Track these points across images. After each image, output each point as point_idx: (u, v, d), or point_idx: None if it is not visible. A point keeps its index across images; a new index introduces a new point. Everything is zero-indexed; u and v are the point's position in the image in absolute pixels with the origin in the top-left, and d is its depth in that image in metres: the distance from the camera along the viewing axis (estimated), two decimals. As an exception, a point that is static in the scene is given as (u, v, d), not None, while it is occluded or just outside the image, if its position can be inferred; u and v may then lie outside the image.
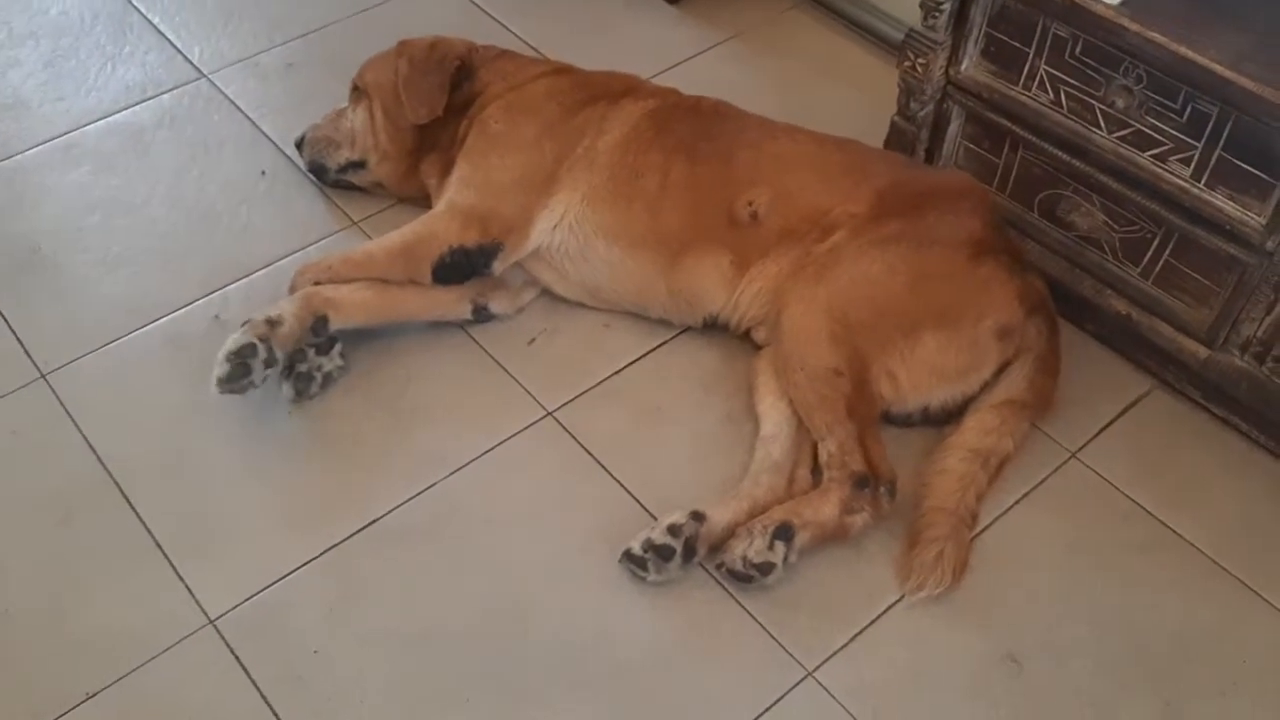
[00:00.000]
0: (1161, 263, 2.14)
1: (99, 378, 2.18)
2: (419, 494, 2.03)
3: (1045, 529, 2.01)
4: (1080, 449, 2.12)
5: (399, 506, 2.01)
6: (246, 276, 2.36)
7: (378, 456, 2.08)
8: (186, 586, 1.90)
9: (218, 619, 1.86)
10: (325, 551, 1.95)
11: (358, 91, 2.49)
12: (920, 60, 2.26)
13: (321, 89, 2.73)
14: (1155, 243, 2.12)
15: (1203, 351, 2.14)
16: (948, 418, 2.11)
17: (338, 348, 2.16)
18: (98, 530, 1.96)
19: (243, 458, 2.08)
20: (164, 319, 2.28)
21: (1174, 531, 2.01)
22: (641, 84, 2.40)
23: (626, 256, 2.23)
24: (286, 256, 2.40)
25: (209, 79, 2.79)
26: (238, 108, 2.72)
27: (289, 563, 1.93)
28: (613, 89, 2.34)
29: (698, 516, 1.92)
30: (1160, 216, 2.08)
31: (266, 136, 2.66)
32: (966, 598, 1.91)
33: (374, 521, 1.99)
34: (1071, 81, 2.09)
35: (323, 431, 2.11)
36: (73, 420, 2.11)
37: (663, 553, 1.89)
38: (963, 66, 2.24)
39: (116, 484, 2.02)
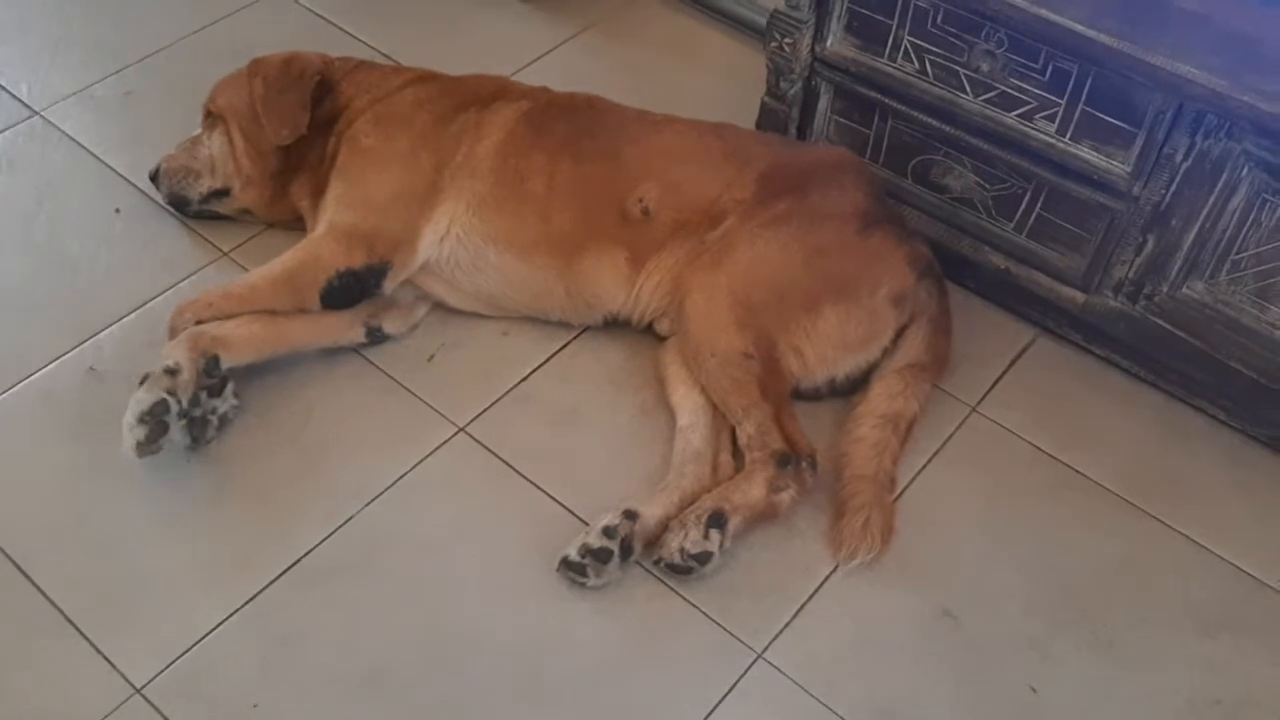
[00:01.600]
0: (1034, 216, 2.23)
1: (-29, 447, 2.04)
2: (339, 528, 1.96)
3: (959, 483, 2.09)
4: (979, 403, 2.21)
5: (320, 544, 1.94)
6: (117, 322, 2.24)
7: (290, 495, 2.00)
8: (105, 658, 1.79)
9: (144, 687, 1.76)
10: (249, 601, 1.87)
11: (212, 117, 2.38)
12: (787, 40, 2.29)
13: (165, 116, 2.61)
14: (1026, 198, 2.21)
15: (1080, 297, 2.24)
16: (852, 388, 2.16)
17: (230, 387, 2.07)
18: (1, 614, 1.83)
19: (144, 514, 1.97)
20: (34, 376, 2.14)
21: (1077, 471, 2.11)
22: (511, 85, 2.36)
23: (520, 262, 2.20)
24: (157, 296, 2.28)
25: (42, 116, 2.62)
26: (79, 144, 2.56)
27: (212, 618, 1.84)
28: (483, 92, 2.30)
29: (630, 515, 1.92)
30: (1029, 172, 2.17)
31: (115, 171, 2.51)
32: (897, 560, 1.97)
33: (296, 563, 1.92)
34: (935, 50, 2.15)
35: (227, 476, 2.02)
36: (-51, 497, 1.97)
37: (600, 556, 1.88)
38: (828, 43, 2.28)
39: (9, 558, 1.89)
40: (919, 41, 2.16)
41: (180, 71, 2.75)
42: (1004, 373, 2.26)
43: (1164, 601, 1.94)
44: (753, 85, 2.62)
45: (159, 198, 2.43)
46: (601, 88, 2.39)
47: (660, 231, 2.17)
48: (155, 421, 1.91)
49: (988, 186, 2.26)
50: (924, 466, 2.10)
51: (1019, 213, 2.24)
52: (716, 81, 2.81)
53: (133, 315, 2.25)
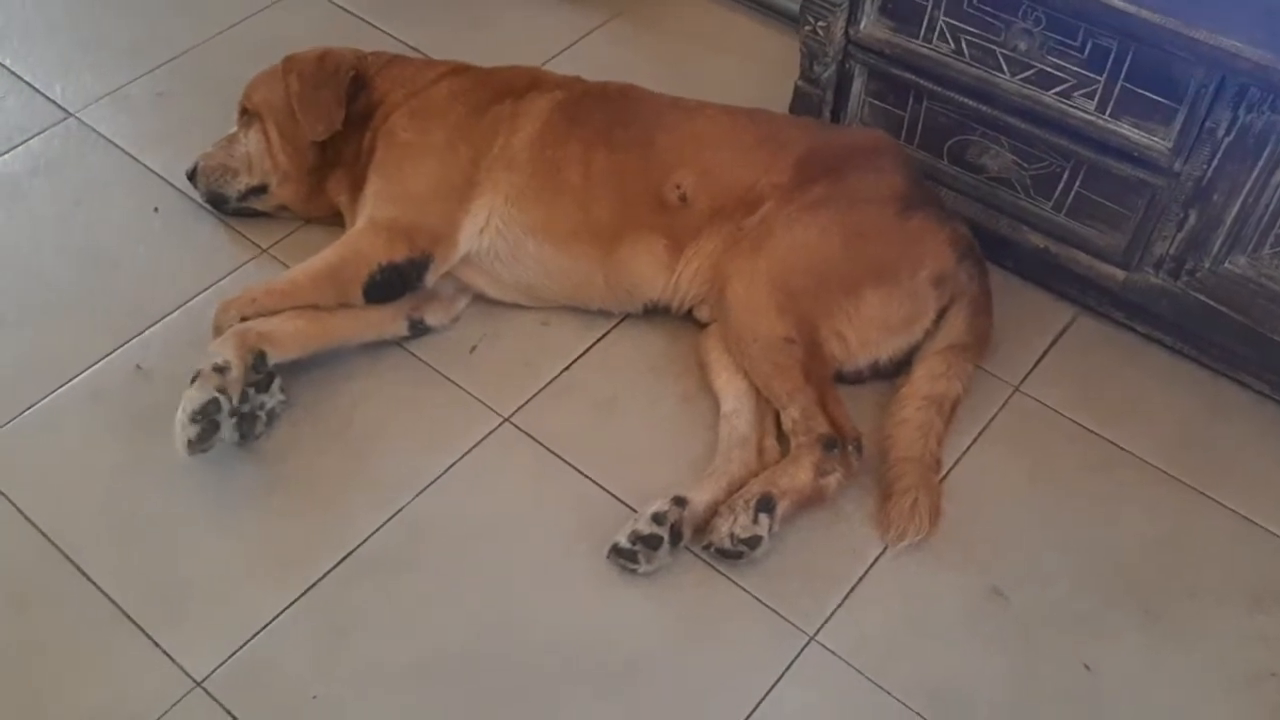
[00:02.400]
0: (1073, 194, 2.22)
1: (24, 448, 2.06)
2: (389, 520, 1.98)
3: (1004, 463, 2.09)
4: (1021, 382, 2.21)
5: (371, 536, 1.96)
6: (161, 320, 2.25)
7: (339, 488, 2.02)
8: (165, 653, 1.81)
9: (205, 680, 1.78)
10: (304, 593, 1.88)
11: (247, 114, 2.39)
12: (820, 23, 2.29)
13: (199, 115, 2.62)
14: (1065, 176, 2.21)
15: (1120, 274, 2.24)
16: (895, 370, 2.16)
17: (277, 383, 2.07)
18: (59, 611, 1.85)
19: (197, 510, 1.98)
20: (82, 375, 2.16)
21: (1121, 448, 2.11)
22: (545, 75, 2.36)
23: (559, 253, 2.20)
24: (199, 293, 2.30)
25: (77, 117, 2.64)
26: (114, 144, 2.58)
27: (268, 610, 1.86)
28: (516, 84, 2.31)
29: (679, 501, 1.93)
30: (1068, 150, 2.17)
31: (151, 171, 2.53)
32: (945, 540, 1.97)
33: (349, 555, 1.93)
34: (971, 30, 2.15)
35: (276, 471, 2.04)
36: (5, 498, 1.98)
37: (650, 542, 1.89)
38: (862, 25, 2.27)
39: (68, 558, 1.91)
40: (954, 21, 2.16)
41: (211, 70, 2.75)
42: (1046, 352, 2.26)
43: (1213, 576, 1.94)
44: (782, 70, 2.63)
45: (196, 196, 2.44)
46: (631, 76, 2.39)
47: (698, 218, 2.17)
48: (207, 420, 1.92)
49: (1026, 166, 2.25)
50: (969, 447, 2.11)
51: (1057, 191, 2.24)
52: (745, 67, 2.80)
53: (176, 313, 2.26)
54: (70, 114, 2.64)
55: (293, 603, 1.87)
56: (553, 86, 2.31)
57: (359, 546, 1.94)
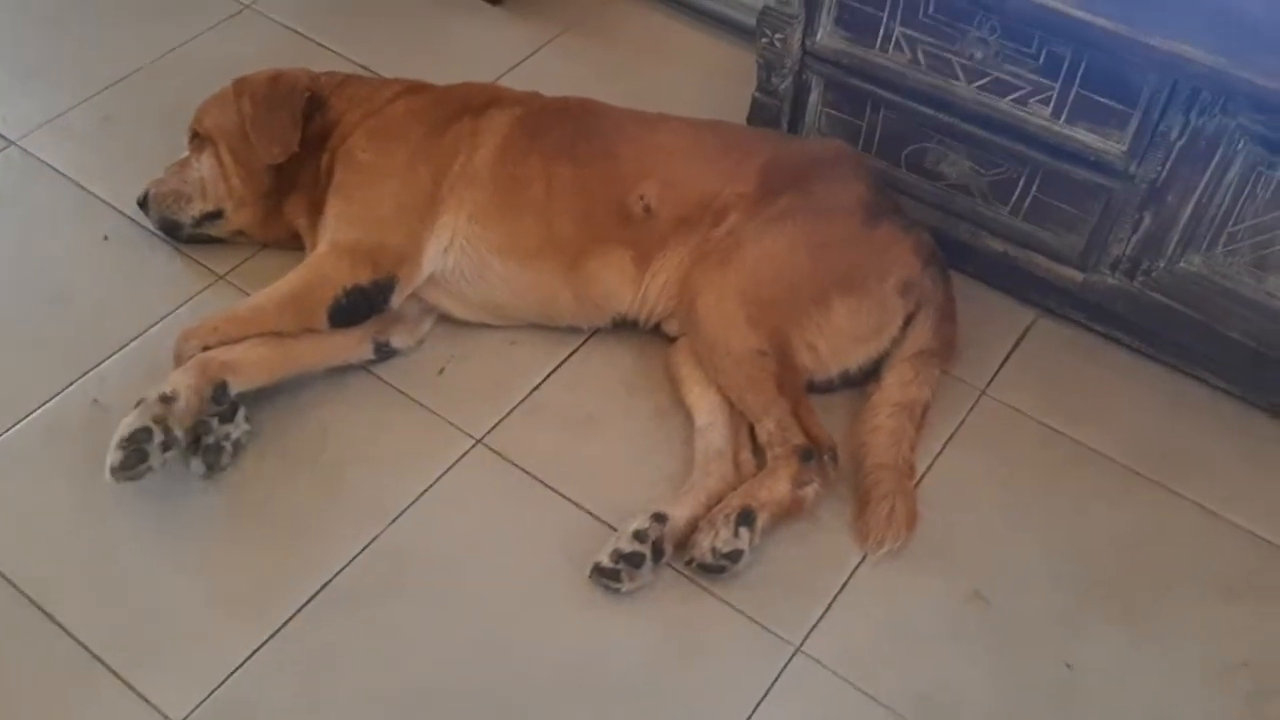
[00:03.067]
0: (1030, 199, 2.26)
1: (-21, 488, 2.00)
2: (365, 549, 1.95)
3: (976, 466, 2.11)
4: (988, 385, 2.23)
5: (347, 566, 1.92)
6: (118, 352, 2.20)
7: (311, 518, 1.98)
8: (141, 696, 1.76)
9: (183, 722, 1.74)
10: (281, 627, 1.85)
11: (199, 138, 2.34)
12: (778, 35, 2.30)
13: (145, 140, 2.57)
14: (1022, 181, 2.24)
15: (1078, 276, 2.28)
16: (864, 378, 2.18)
17: (241, 412, 2.04)
18: (27, 656, 1.79)
19: (166, 547, 1.93)
20: (36, 412, 2.10)
21: (1088, 447, 2.14)
22: (503, 92, 2.35)
23: (525, 269, 2.19)
24: (156, 323, 2.24)
25: (18, 146, 2.56)
26: (59, 173, 2.51)
27: (245, 647, 1.82)
28: (475, 101, 2.29)
29: (660, 518, 1.92)
30: (1025, 156, 2.20)
31: (99, 199, 2.46)
32: (923, 545, 1.98)
33: (324, 586, 1.90)
34: (928, 39, 2.17)
35: (245, 502, 1.99)
36: (-38, 541, 1.92)
37: (633, 560, 1.88)
38: (818, 37, 2.29)
39: (32, 601, 1.85)
40: (910, 31, 2.18)
41: (156, 94, 2.70)
42: (1009, 355, 2.29)
43: (1184, 570, 1.98)
44: (735, 81, 2.65)
45: (147, 224, 2.39)
46: (584, 90, 2.38)
47: (664, 229, 2.17)
48: (134, 448, 1.87)
49: (983, 172, 2.28)
50: (940, 451, 2.13)
51: (1015, 196, 2.27)
52: (699, 79, 2.81)
53: (133, 344, 2.21)
54: (11, 142, 2.57)
55: (270, 637, 1.83)
56: (512, 103, 2.30)
57: (335, 577, 1.91)
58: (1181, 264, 2.15)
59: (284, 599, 1.87)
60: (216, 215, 2.34)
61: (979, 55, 2.12)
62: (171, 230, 2.36)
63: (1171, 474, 2.11)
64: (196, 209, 2.33)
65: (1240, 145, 1.96)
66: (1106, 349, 2.30)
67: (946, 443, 2.14)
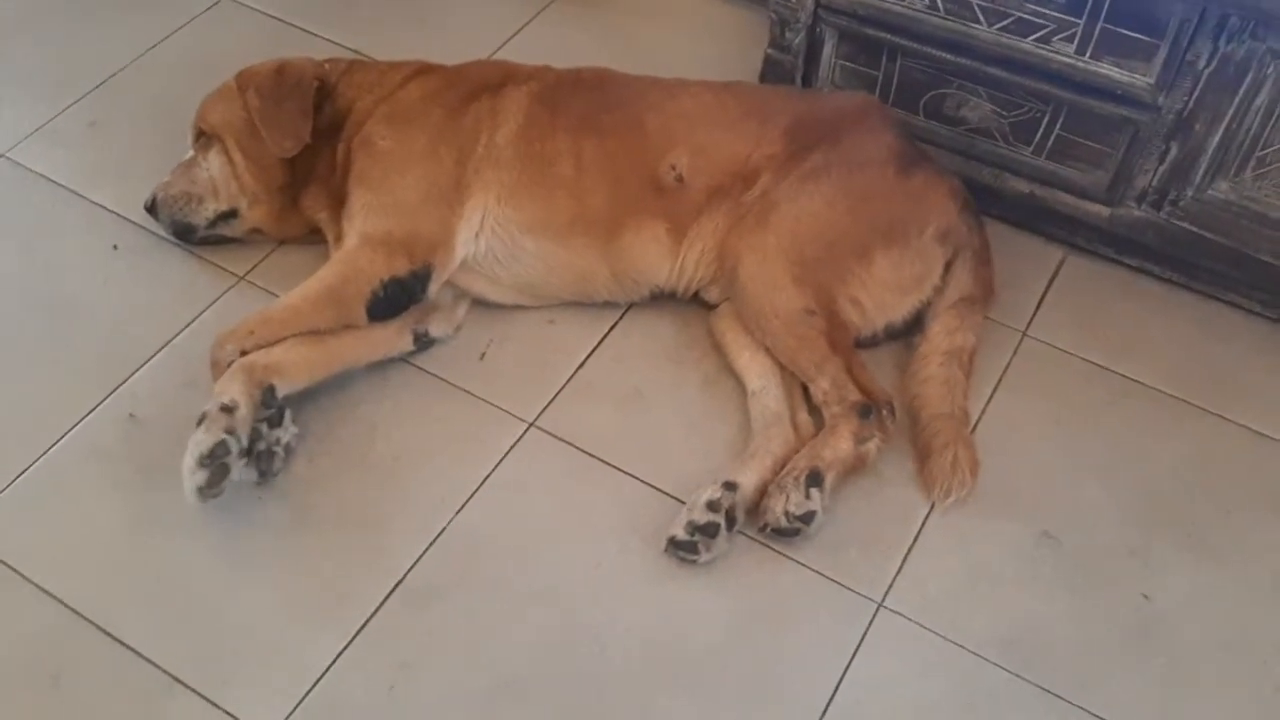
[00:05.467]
0: (1053, 137, 2.26)
1: (25, 516, 1.93)
2: (433, 542, 1.91)
3: (1026, 408, 2.12)
4: (1028, 327, 2.24)
5: (418, 561, 1.89)
6: (146, 363, 2.13)
7: (373, 517, 1.94)
8: (228, 714, 1.72)
9: (275, 735, 1.71)
10: (360, 630, 1.81)
11: (205, 136, 2.27)
12: (791, -10, 2.28)
13: (138, 141, 2.50)
14: (1045, 121, 2.24)
15: (1105, 211, 2.29)
16: (906, 329, 2.18)
17: (288, 415, 1.99)
18: (100, 684, 1.74)
19: (225, 558, 1.89)
20: (72, 431, 2.03)
21: (1132, 379, 2.16)
22: (516, 68, 2.30)
23: (560, 248, 2.15)
24: (181, 331, 2.18)
25: (7, 158, 2.47)
26: (56, 183, 2.42)
27: (326, 654, 1.78)
28: (489, 79, 2.24)
29: (730, 486, 1.91)
30: (1049, 95, 2.20)
31: (101, 206, 2.38)
32: (987, 491, 1.99)
33: (398, 584, 1.86)
34: (946, -17, 2.16)
35: (304, 507, 1.95)
36: (15, 571, 1.85)
37: (708, 530, 1.87)
38: (832, -12, 2.27)
39: (99, 628, 1.79)
40: (928, -23, 2.17)
41: (140, 94, 2.61)
42: (1044, 295, 2.30)
43: (1241, 492, 2.01)
44: (735, 40, 2.63)
45: (156, 228, 2.31)
46: (584, 58, 2.34)
47: (697, 197, 2.14)
48: (216, 464, 1.83)
49: (1005, 114, 2.28)
50: (991, 396, 2.13)
51: (1038, 136, 2.27)
52: (698, 40, 2.78)
53: (160, 354, 2.14)
54: (1, 154, 2.47)
55: (350, 642, 1.80)
56: (526, 78, 2.25)
57: (407, 574, 1.87)
58: (1210, 191, 2.16)
59: (359, 601, 1.84)
60: (231, 214, 2.27)
61: (1001, -4, 2.12)
62: (184, 233, 2.29)
63: (1216, 400, 2.14)
64: (210, 209, 2.26)
65: (1270, 69, 1.97)
66: (1138, 281, 2.32)
67: (996, 387, 2.15)
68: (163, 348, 2.15)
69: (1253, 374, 2.18)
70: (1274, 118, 2.02)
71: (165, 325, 2.18)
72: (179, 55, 2.70)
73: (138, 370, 2.12)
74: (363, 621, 1.82)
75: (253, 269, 2.29)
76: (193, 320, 2.20)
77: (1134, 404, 2.13)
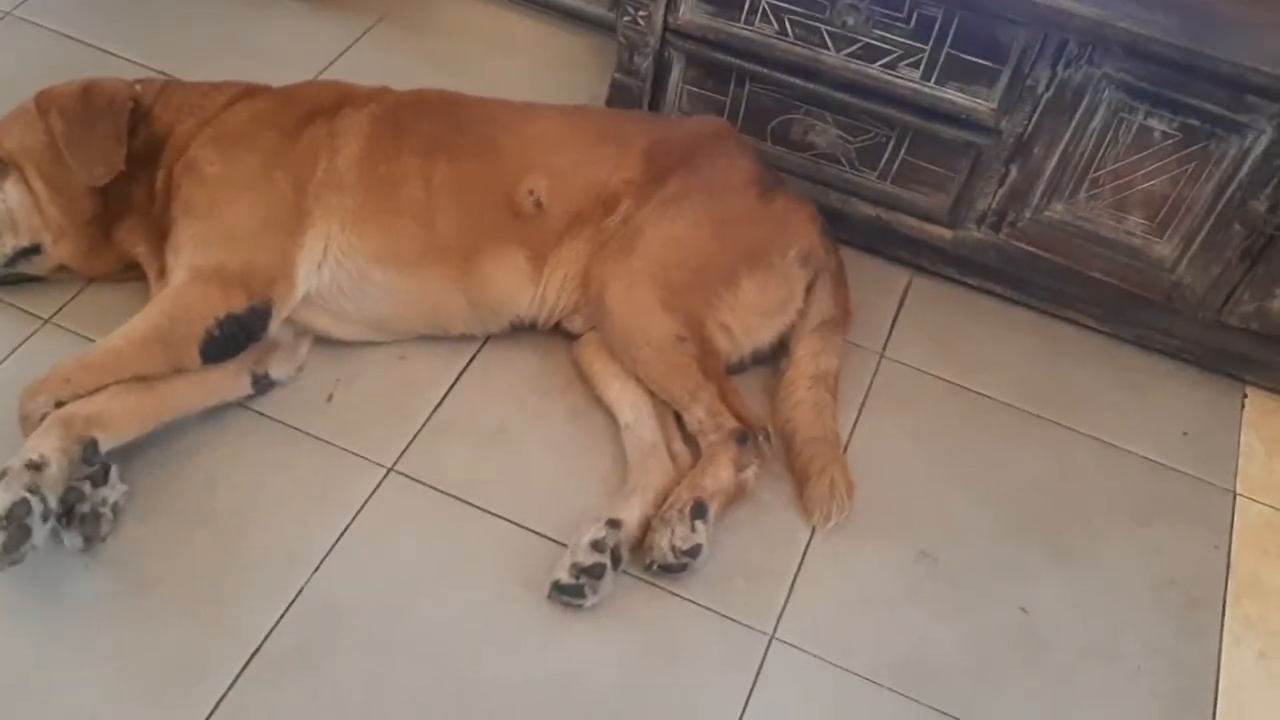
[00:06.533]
0: (898, 162, 2.30)
1: None
2: (290, 605, 1.73)
3: (891, 427, 2.13)
4: (884, 348, 2.26)
5: (276, 627, 1.71)
6: (-61, 422, 1.86)
7: (219, 581, 1.75)
8: (65, 818, 1.49)
9: (122, 839, 1.49)
10: (215, 708, 1.61)
11: (1, 164, 2.02)
12: (641, 13, 2.24)
13: (-91, 173, 2.18)
14: (890, 146, 2.28)
15: (948, 233, 2.35)
16: (770, 355, 2.15)
17: (115, 471, 1.77)
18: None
19: (60, 640, 1.65)
20: None
21: (985, 395, 2.21)
22: (350, 88, 2.15)
23: (410, 278, 2.02)
24: (-21, 384, 1.92)
25: None
26: None
27: (178, 738, 1.59)
28: (323, 100, 2.09)
29: (614, 524, 1.82)
30: (894, 120, 2.24)
31: None
32: (862, 513, 1.98)
33: (254, 654, 1.68)
34: (795, 9, 2.17)
35: (139, 574, 1.73)
36: None
37: (594, 571, 1.78)
38: (680, 13, 2.24)
39: (-104, 733, 1.54)
40: (776, 2, 2.17)
41: (-90, 117, 2.30)
42: (896, 315, 2.33)
43: (1098, 502, 2.08)
44: (567, 65, 2.58)
45: (-59, 268, 2.04)
46: (412, 81, 2.21)
47: (556, 223, 2.06)
48: (16, 525, 1.60)
49: (851, 139, 2.30)
50: (857, 418, 2.13)
51: (883, 161, 2.31)
52: (530, 65, 2.70)
53: (-49, 410, 1.88)
54: None
55: (205, 722, 1.61)
56: (365, 99, 2.11)
57: (264, 643, 1.69)
58: (1046, 213, 2.25)
59: (214, 676, 1.64)
60: (33, 250, 2.02)
61: (851, 22, 2.13)
62: (-22, 273, 2.02)
63: (1064, 412, 2.21)
64: (8, 245, 2.00)
65: (1105, 94, 2.06)
66: (982, 300, 2.39)
67: (861, 408, 2.15)
68: (-46, 402, 1.89)
69: (1093, 386, 2.27)
70: (1107, 140, 2.12)
71: (-44, 376, 1.92)
72: (-47, 76, 2.41)
73: (-72, 430, 1.85)
74: (216, 699, 1.62)
75: (59, 310, 2.05)
76: (-10, 370, 1.94)
77: (989, 419, 2.18)
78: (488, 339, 2.13)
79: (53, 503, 1.66)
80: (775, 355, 2.15)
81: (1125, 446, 2.17)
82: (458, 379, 2.07)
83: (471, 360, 2.10)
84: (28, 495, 1.62)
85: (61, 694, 1.60)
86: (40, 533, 1.64)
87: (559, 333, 2.14)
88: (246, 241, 1.92)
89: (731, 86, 2.32)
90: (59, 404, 1.76)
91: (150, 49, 2.52)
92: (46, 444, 1.69)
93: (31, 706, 1.59)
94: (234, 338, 1.88)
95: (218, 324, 1.86)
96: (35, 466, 1.65)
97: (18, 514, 1.61)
